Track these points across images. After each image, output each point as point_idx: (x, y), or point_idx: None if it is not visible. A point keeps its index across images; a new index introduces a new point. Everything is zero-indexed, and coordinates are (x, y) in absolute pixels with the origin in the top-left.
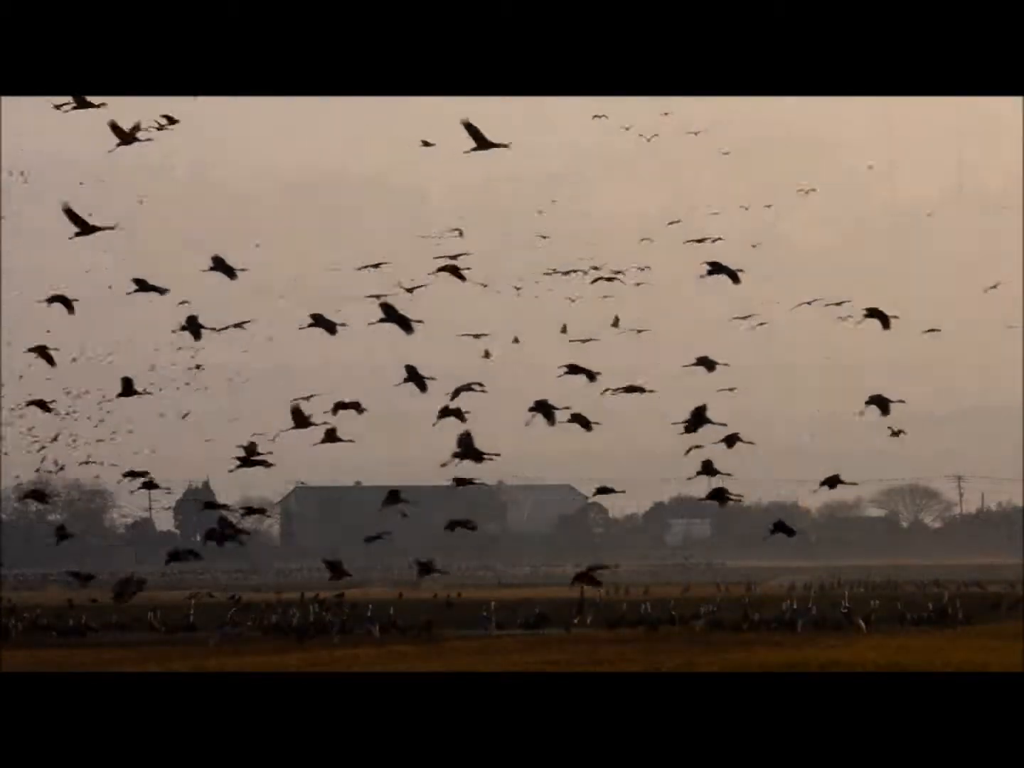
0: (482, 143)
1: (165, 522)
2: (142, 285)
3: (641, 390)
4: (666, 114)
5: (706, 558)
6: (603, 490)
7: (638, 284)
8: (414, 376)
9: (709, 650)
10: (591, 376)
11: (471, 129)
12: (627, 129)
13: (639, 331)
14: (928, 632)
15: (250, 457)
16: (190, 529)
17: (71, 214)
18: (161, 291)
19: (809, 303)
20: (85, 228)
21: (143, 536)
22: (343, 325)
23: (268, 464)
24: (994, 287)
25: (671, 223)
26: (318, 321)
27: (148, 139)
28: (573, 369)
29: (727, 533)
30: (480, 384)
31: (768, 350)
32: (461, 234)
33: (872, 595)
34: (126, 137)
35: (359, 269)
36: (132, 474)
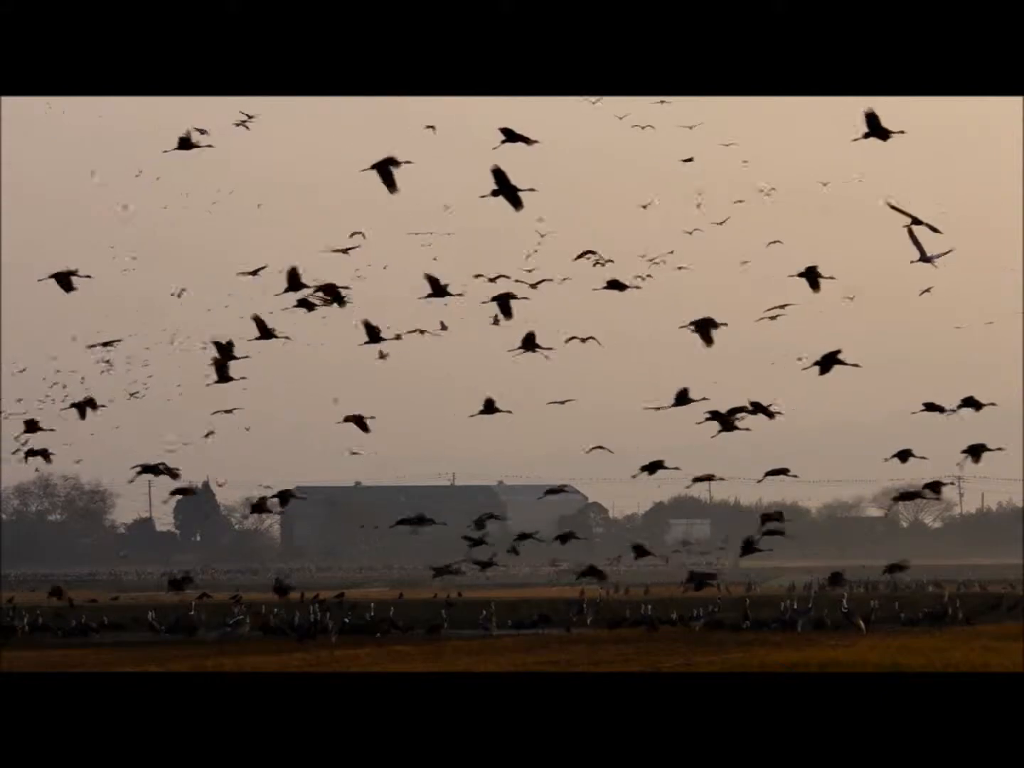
0: (878, 133)
1: (165, 522)
2: (435, 287)
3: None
4: (662, 102)
5: (705, 558)
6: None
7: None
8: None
9: (709, 650)
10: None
11: (872, 120)
12: (621, 119)
13: (584, 339)
14: (928, 632)
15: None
16: (190, 529)
17: (498, 175)
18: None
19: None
20: (504, 185)
21: (143, 536)
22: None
23: None
24: (927, 291)
25: (644, 206)
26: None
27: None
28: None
29: (727, 533)
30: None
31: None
32: (364, 236)
33: (872, 595)
34: (521, 139)
35: (239, 275)
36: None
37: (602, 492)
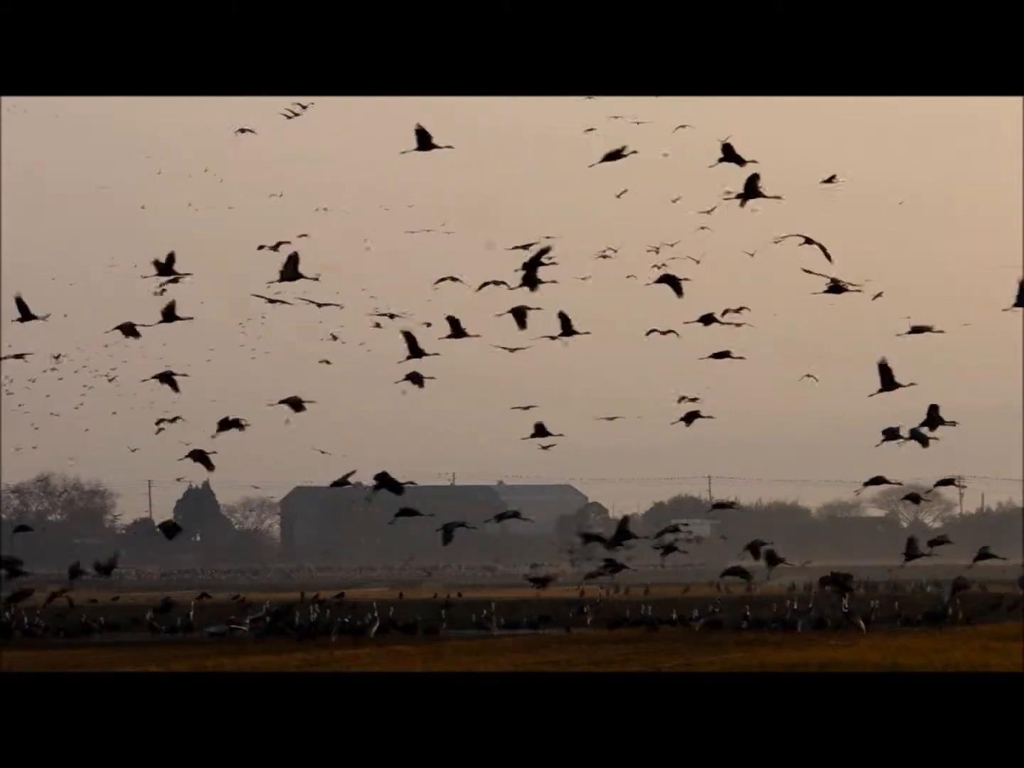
0: None
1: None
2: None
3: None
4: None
5: (706, 557)
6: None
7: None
8: None
9: (709, 650)
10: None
11: None
12: (616, 118)
13: (554, 337)
14: (928, 632)
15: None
16: (190, 529)
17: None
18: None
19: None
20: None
21: (143, 536)
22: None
23: None
24: (879, 295)
25: (619, 195)
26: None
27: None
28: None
29: (727, 533)
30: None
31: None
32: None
33: (872, 595)
34: (737, 159)
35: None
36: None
37: (602, 492)
